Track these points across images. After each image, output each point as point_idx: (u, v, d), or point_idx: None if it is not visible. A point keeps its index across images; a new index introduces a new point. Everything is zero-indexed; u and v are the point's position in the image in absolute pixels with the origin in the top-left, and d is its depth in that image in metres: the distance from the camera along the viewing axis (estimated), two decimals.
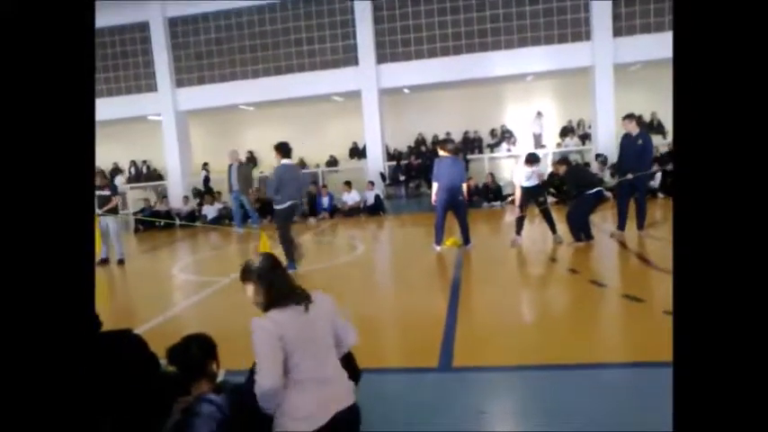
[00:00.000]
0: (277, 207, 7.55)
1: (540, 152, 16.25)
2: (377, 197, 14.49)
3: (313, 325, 2.50)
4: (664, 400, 3.13)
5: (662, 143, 15.55)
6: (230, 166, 13.04)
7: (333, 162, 19.83)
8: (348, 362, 2.79)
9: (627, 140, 8.43)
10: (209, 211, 14.99)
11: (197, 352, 2.56)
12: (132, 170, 21.39)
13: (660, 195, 12.51)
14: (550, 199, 10.82)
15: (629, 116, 8.52)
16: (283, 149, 7.59)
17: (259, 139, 21.67)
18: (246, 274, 2.62)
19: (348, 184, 14.86)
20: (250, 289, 2.59)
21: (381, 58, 16.57)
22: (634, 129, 8.36)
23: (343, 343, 2.69)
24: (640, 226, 8.36)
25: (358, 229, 12.40)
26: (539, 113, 18.50)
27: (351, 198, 14.60)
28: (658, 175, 12.48)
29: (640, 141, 8.26)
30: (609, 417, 3.01)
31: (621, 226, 8.41)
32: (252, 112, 20.83)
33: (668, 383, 2.29)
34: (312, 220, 13.94)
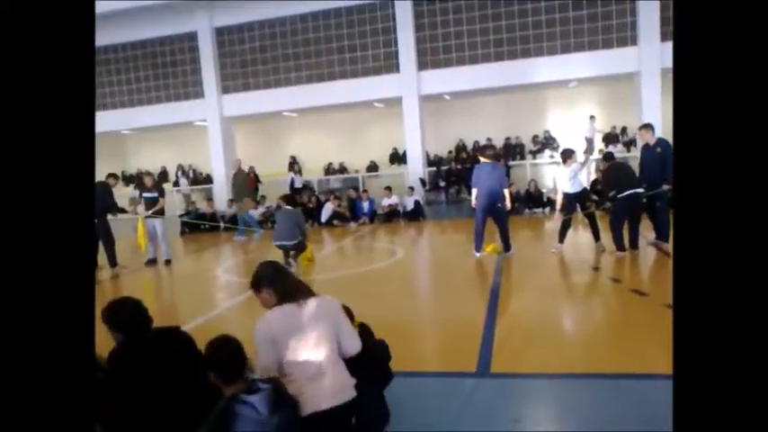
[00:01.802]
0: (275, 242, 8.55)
1: (585, 158, 16.04)
2: (416, 203, 14.52)
3: (305, 320, 2.62)
4: None
5: None
6: (233, 173, 13.34)
7: (373, 167, 19.98)
8: (379, 363, 2.84)
9: (646, 151, 8.14)
10: (253, 214, 15.32)
11: (225, 355, 2.63)
12: (179, 173, 22.02)
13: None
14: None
15: (646, 126, 8.26)
16: (288, 199, 9.20)
17: (302, 144, 22.05)
18: (256, 283, 2.81)
19: (388, 189, 14.94)
20: (263, 296, 2.77)
21: (422, 65, 16.64)
22: (651, 138, 8.06)
23: (342, 350, 2.74)
24: (664, 238, 8.02)
25: (397, 234, 12.46)
26: (592, 117, 18.17)
27: (390, 201, 14.69)
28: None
29: (659, 150, 7.92)
30: (640, 426, 2.97)
31: (663, 236, 8.09)
32: (295, 118, 21.20)
33: None
34: (352, 225, 14.08)
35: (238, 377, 2.55)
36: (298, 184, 16.63)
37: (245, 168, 14.64)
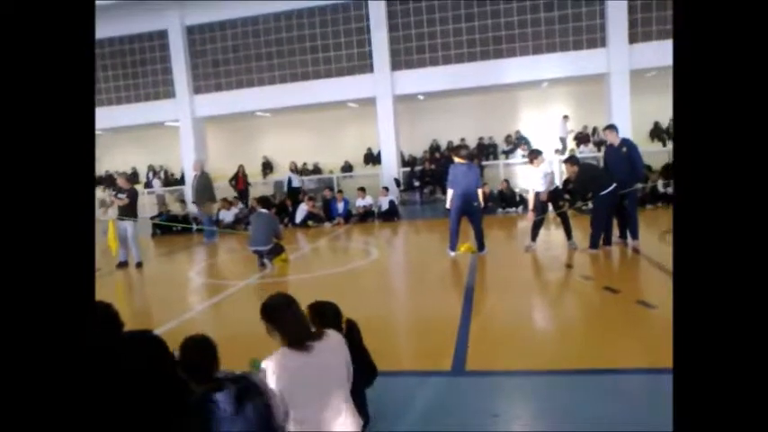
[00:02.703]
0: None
1: (559, 157, 16.25)
2: (391, 203, 14.54)
3: (317, 367, 2.54)
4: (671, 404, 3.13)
5: None
6: (194, 176, 13.06)
7: (347, 168, 19.94)
8: (365, 361, 2.83)
9: (611, 151, 8.25)
10: (227, 215, 15.14)
11: (196, 355, 2.61)
12: (151, 174, 21.65)
13: (648, 206, 12.14)
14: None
15: (610, 127, 8.43)
16: (262, 202, 9.19)
17: (275, 145, 21.89)
18: (264, 314, 2.70)
19: (362, 189, 14.92)
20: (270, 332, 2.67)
21: (396, 65, 16.69)
22: (615, 139, 8.17)
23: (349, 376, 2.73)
24: (634, 235, 8.21)
25: (372, 234, 12.45)
26: (565, 117, 18.43)
27: (364, 202, 14.67)
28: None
29: (624, 149, 8.04)
30: (618, 421, 3.02)
31: (634, 234, 8.24)
32: (268, 118, 21.05)
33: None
34: (327, 225, 14.03)
35: (209, 377, 2.52)
36: (296, 184, 16.34)
37: (222, 170, 14.37)
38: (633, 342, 4.55)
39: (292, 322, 2.63)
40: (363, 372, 2.79)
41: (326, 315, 2.90)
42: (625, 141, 8.21)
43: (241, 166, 16.78)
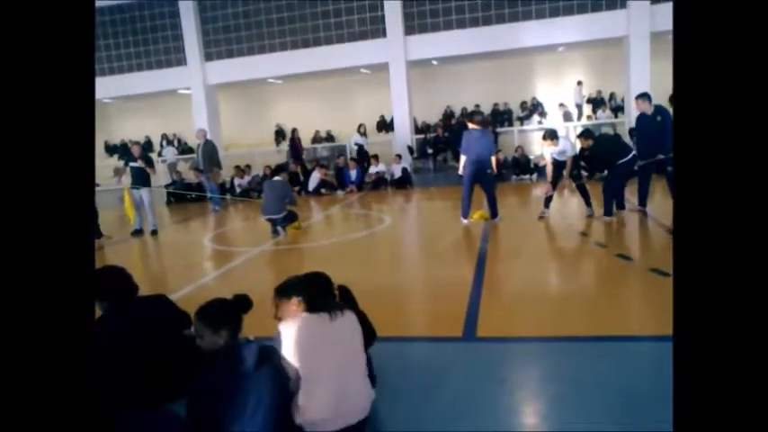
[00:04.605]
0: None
1: (573, 125, 15.99)
2: (404, 170, 14.48)
3: (337, 334, 2.57)
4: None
5: None
6: (198, 144, 13.04)
7: (361, 134, 19.81)
8: (364, 324, 2.84)
9: (644, 121, 8.00)
10: (241, 183, 15.21)
11: (219, 314, 2.63)
12: (164, 143, 21.70)
13: None
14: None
15: (642, 95, 8.07)
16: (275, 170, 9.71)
17: (287, 112, 21.77)
18: (287, 290, 2.74)
19: (375, 157, 14.86)
20: (290, 303, 2.70)
21: (409, 30, 16.39)
22: (648, 108, 7.91)
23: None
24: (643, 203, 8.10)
25: (385, 202, 12.44)
26: (579, 83, 18.04)
27: (377, 170, 14.62)
28: None
29: (659, 118, 7.79)
30: (626, 388, 3.03)
31: (643, 203, 8.15)
32: (280, 85, 20.89)
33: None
34: (340, 193, 14.04)
35: (231, 336, 2.55)
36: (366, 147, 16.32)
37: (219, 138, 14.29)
38: (644, 309, 4.54)
39: (315, 289, 2.74)
40: (365, 334, 2.81)
41: (320, 286, 2.90)
42: (659, 109, 7.94)
43: (295, 130, 16.76)
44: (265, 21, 17.36)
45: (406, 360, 3.59)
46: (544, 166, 9.10)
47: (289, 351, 2.50)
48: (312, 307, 2.63)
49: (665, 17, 14.44)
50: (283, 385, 2.46)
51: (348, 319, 2.66)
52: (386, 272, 6.23)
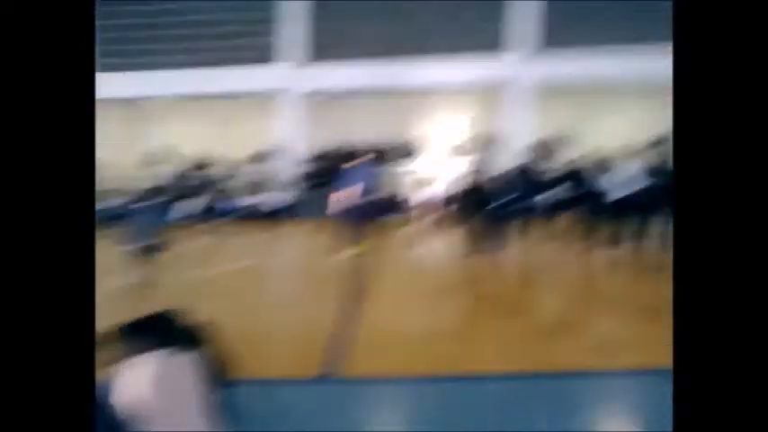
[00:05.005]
0: None
1: (447, 165, 16.65)
2: (287, 201, 14.29)
3: (176, 373, 2.48)
4: (562, 409, 3.30)
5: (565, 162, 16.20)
6: None
7: (241, 163, 19.27)
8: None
9: (512, 172, 8.87)
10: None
11: None
12: None
13: None
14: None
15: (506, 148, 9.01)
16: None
17: (176, 132, 20.73)
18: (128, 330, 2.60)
19: (256, 186, 14.55)
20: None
21: (305, 59, 16.35)
22: (514, 162, 8.75)
23: None
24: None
25: (262, 233, 12.17)
26: (464, 125, 18.80)
27: (256, 201, 14.32)
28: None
29: (525, 174, 8.88)
30: (493, 426, 3.13)
31: (503, 243, 8.65)
32: (168, 103, 19.91)
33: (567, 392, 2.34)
34: (211, 223, 13.54)
35: None
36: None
37: None
38: (503, 346, 4.76)
39: (156, 328, 2.61)
40: (214, 374, 2.69)
41: (161, 323, 2.77)
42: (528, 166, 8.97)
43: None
44: (159, 36, 16.58)
45: (266, 402, 3.47)
46: (418, 205, 9.44)
47: (125, 390, 2.33)
48: (153, 345, 2.50)
49: (552, 64, 15.62)
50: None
51: (190, 358, 2.54)
52: (254, 308, 6.04)
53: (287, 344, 5.08)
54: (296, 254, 10.46)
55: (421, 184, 8.67)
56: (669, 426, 1.41)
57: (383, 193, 14.15)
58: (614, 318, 5.45)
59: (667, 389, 2.94)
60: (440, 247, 9.40)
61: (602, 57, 15.55)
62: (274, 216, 13.86)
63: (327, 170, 16.43)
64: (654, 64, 15.28)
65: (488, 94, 17.76)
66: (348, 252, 8.43)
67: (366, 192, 8.32)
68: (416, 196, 13.45)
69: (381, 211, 13.23)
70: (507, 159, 15.89)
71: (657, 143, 13.11)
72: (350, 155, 13.60)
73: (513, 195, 8.56)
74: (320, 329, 5.12)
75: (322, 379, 3.91)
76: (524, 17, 15.70)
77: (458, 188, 8.80)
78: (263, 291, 7.08)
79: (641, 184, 8.64)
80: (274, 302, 6.48)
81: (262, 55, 16.44)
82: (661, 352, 4.48)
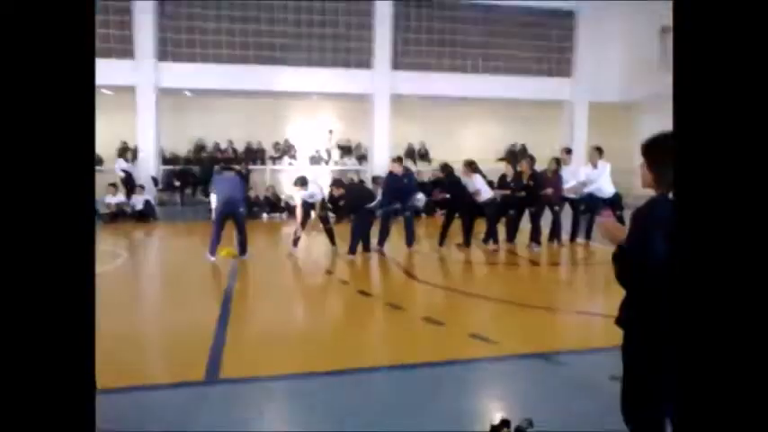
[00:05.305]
0: None
1: (322, 169, 16.82)
2: (147, 202, 13.42)
3: None
4: (432, 396, 3.43)
5: (427, 169, 17.03)
6: None
7: (98, 161, 17.81)
8: None
9: (394, 179, 9.04)
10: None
11: None
12: None
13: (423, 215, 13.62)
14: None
15: (397, 158, 9.40)
16: None
17: None
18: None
19: (114, 185, 13.50)
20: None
21: (162, 56, 15.58)
22: (399, 170, 9.03)
23: None
24: (410, 243, 9.05)
25: (124, 236, 11.31)
26: (330, 131, 19.04)
27: (116, 200, 13.27)
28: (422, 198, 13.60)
29: (406, 181, 9.11)
30: (382, 418, 3.19)
31: (382, 242, 8.96)
32: None
33: (436, 381, 2.47)
34: None
35: None
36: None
37: None
38: (385, 340, 4.90)
39: None
40: None
41: None
42: (409, 172, 9.42)
43: None
44: None
45: (147, 409, 3.25)
46: (295, 206, 9.43)
47: None
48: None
49: (404, 82, 16.46)
50: None
51: None
52: (122, 314, 5.59)
53: (164, 348, 4.78)
54: (167, 255, 9.85)
55: (294, 184, 8.61)
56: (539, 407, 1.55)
57: (255, 194, 13.87)
58: (486, 309, 5.83)
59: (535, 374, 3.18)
60: (316, 247, 9.39)
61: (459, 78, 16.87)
62: (140, 216, 12.92)
63: (193, 170, 15.77)
64: (494, 85, 17.01)
65: (354, 104, 18.29)
66: (223, 253, 8.11)
67: (236, 193, 8.11)
68: (291, 197, 13.33)
69: (253, 211, 12.94)
70: (376, 163, 16.53)
71: (510, 152, 14.22)
72: (219, 155, 13.22)
73: (386, 196, 8.83)
74: (198, 332, 4.88)
75: (198, 381, 3.73)
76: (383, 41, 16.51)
77: (331, 190, 8.89)
78: (134, 294, 6.56)
79: (505, 187, 9.49)
80: (146, 306, 6.05)
81: (113, 48, 15.31)
82: (527, 339, 4.90)
